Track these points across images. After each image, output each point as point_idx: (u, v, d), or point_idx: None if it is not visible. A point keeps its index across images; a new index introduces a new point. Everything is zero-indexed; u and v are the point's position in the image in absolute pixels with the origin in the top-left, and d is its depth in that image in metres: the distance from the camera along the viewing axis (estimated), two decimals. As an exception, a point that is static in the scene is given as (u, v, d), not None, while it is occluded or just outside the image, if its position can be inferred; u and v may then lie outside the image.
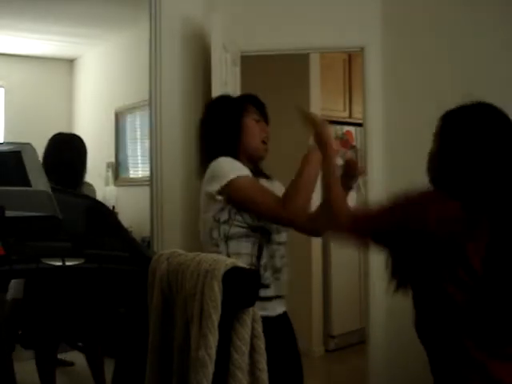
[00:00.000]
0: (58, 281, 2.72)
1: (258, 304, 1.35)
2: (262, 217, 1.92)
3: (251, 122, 2.04)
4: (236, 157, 1.99)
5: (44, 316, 2.92)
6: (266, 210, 1.89)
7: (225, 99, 2.16)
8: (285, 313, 2.04)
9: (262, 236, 1.96)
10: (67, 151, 3.04)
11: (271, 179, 2.16)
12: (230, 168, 1.91)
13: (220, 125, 2.03)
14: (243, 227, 1.93)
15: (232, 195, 1.89)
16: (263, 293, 1.87)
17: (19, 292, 3.02)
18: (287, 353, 2.00)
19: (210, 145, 2.05)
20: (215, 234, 1.94)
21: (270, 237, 1.99)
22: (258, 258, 1.94)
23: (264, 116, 2.10)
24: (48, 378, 3.08)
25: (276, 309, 1.99)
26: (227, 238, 1.93)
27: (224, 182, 1.88)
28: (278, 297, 2.00)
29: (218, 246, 1.93)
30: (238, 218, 1.92)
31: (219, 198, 1.90)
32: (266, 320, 1.43)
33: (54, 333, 3.01)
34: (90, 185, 3.21)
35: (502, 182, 1.49)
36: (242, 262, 1.46)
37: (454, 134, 1.56)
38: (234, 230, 1.92)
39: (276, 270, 1.99)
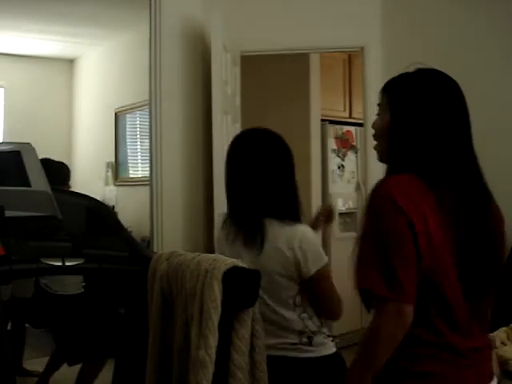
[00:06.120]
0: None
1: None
2: (325, 311, 1.91)
3: None
4: None
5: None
6: (336, 306, 1.92)
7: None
8: None
9: None
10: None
11: None
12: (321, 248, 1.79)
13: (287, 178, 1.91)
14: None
15: (320, 283, 1.79)
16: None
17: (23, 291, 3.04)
18: None
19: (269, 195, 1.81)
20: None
21: None
22: None
23: None
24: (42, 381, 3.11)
25: None
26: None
27: (320, 265, 1.76)
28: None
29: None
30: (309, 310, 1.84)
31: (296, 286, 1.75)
32: None
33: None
34: None
35: (460, 148, 1.40)
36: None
37: (405, 102, 1.46)
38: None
39: None
